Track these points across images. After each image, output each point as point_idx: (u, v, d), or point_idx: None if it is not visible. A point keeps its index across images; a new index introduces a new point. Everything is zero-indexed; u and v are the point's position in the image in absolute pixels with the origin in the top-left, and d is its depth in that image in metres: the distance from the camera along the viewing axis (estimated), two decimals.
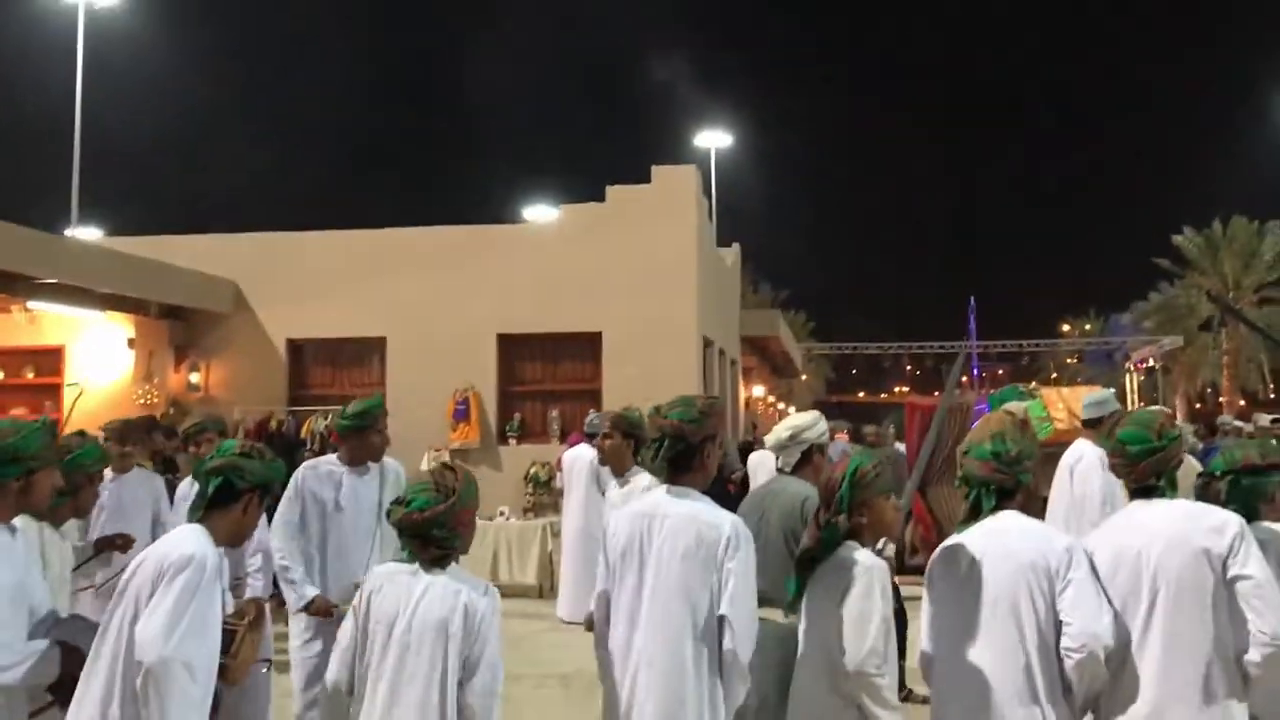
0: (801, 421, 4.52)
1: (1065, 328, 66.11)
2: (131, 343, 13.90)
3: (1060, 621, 3.31)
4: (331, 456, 5.44)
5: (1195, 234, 41.18)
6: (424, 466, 13.09)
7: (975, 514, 3.55)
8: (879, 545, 3.80)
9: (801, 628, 3.64)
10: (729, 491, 10.87)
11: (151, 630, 2.92)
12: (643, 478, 5.75)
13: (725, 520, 3.49)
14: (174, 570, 2.99)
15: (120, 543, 5.11)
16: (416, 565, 3.26)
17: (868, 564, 3.47)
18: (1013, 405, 9.17)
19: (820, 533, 3.54)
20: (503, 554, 11.65)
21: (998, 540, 3.46)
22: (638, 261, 13.29)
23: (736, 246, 20.22)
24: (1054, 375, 60.99)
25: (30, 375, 14.07)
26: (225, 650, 3.10)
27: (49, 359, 14.04)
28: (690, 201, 13.70)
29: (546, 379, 13.93)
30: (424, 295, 13.60)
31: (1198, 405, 45.05)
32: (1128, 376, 37.76)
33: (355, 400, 5.44)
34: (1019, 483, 3.57)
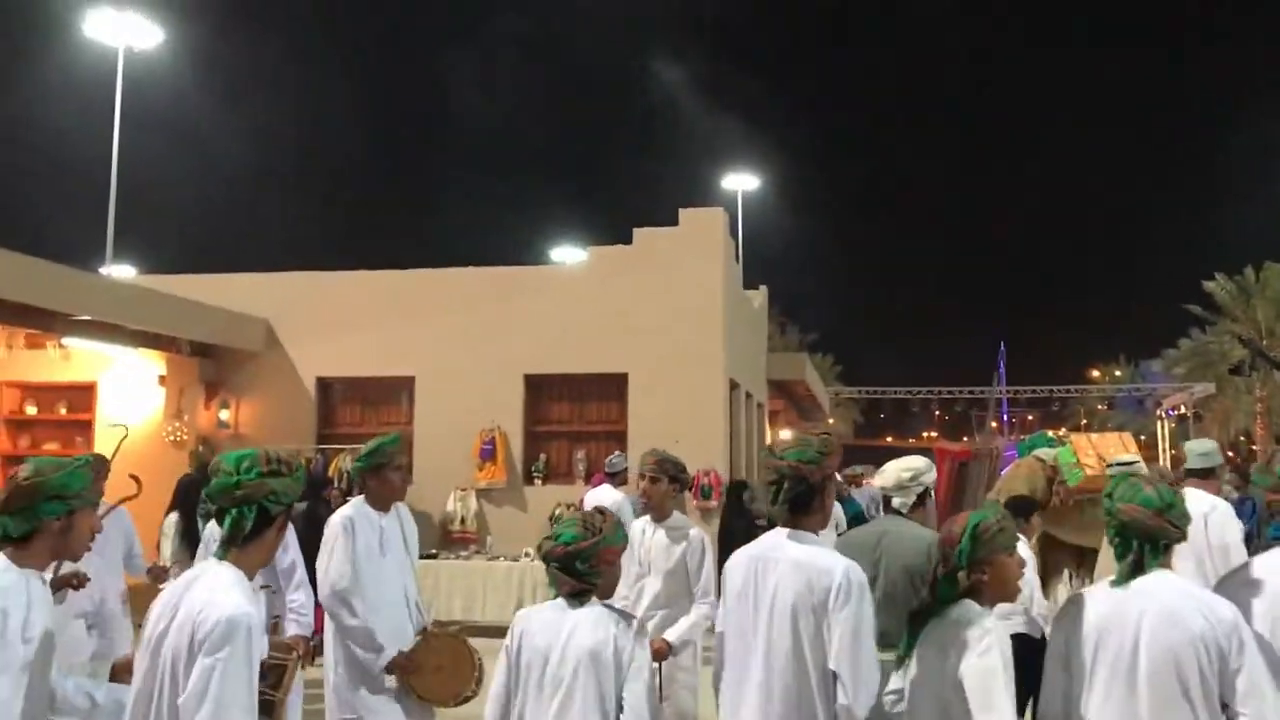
0: (919, 464, 4.51)
1: (1095, 374, 65.64)
2: (162, 380, 14.03)
3: (1225, 704, 3.04)
4: (360, 500, 5.33)
5: (1227, 280, 40.89)
6: (450, 506, 13.13)
7: (1136, 570, 3.24)
8: None
9: (908, 680, 3.43)
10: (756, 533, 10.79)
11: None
12: (678, 519, 5.73)
13: (838, 567, 3.36)
14: (217, 642, 2.70)
15: (75, 582, 4.91)
16: (561, 601, 3.33)
17: (987, 624, 3.22)
18: (1043, 452, 9.10)
19: (938, 587, 3.36)
20: (528, 595, 11.62)
21: (1157, 603, 3.15)
22: (665, 303, 13.33)
23: (764, 289, 20.24)
24: (1084, 422, 60.47)
25: (63, 411, 14.22)
26: (273, 685, 3.02)
27: (81, 395, 14.19)
28: (718, 244, 13.74)
29: (573, 420, 13.96)
30: (452, 335, 13.68)
31: (1229, 453, 44.54)
32: (1159, 424, 37.40)
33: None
34: (1181, 538, 3.28)
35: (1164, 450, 34.88)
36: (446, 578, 11.85)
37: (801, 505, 3.51)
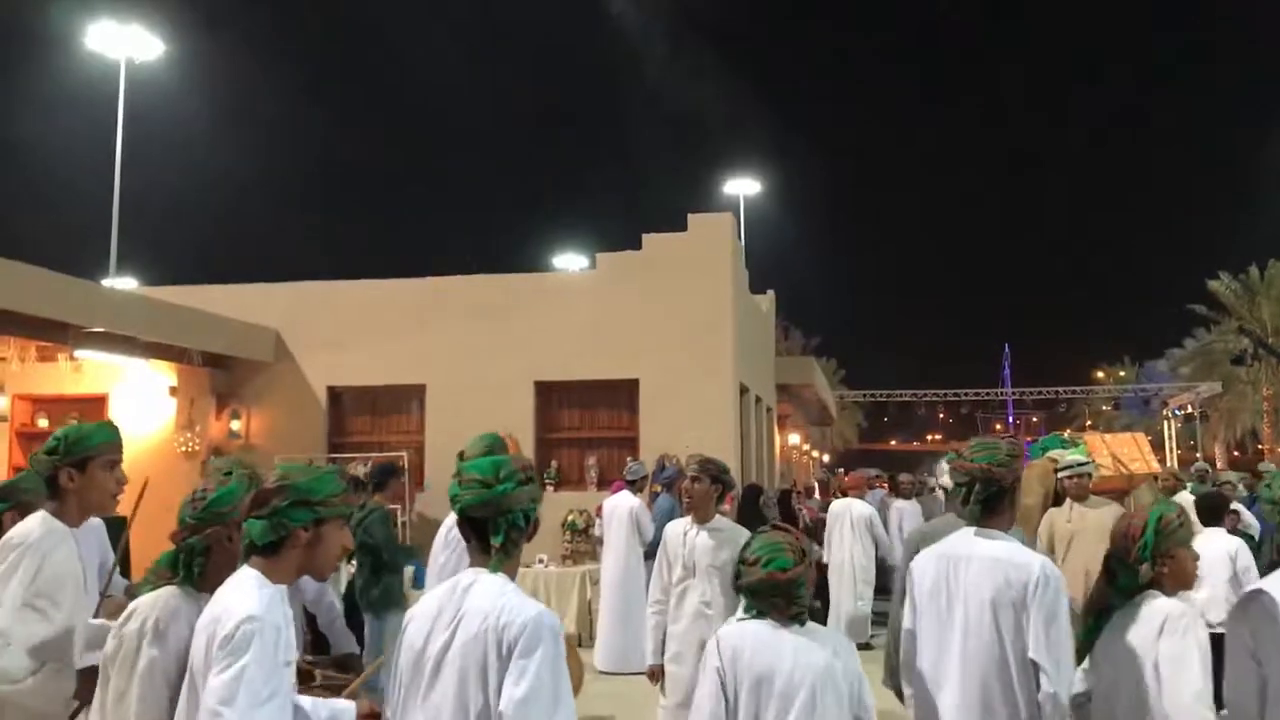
0: None
1: (1100, 374, 65.63)
2: (173, 390, 14.04)
3: None
4: None
5: (1231, 279, 40.90)
6: None
7: None
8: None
9: (1098, 674, 3.55)
10: None
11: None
12: (721, 522, 5.72)
13: (1035, 562, 3.50)
14: (530, 643, 2.64)
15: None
16: (770, 623, 3.31)
17: (1180, 609, 3.39)
18: (1056, 453, 9.11)
19: (1118, 581, 3.52)
20: (542, 601, 11.60)
21: None
22: (674, 309, 13.33)
23: (771, 294, 20.25)
24: (1089, 423, 60.45)
25: (75, 422, 14.21)
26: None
27: (93, 407, 14.17)
28: (726, 249, 13.75)
29: (584, 426, 13.96)
30: (462, 343, 13.69)
31: (1236, 452, 44.48)
32: (1165, 423, 37.38)
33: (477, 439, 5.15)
34: None
35: (1170, 451, 34.82)
36: None
37: (993, 506, 3.64)
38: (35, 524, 3.36)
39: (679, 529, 5.80)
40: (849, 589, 11.28)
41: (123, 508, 4.01)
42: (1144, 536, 3.48)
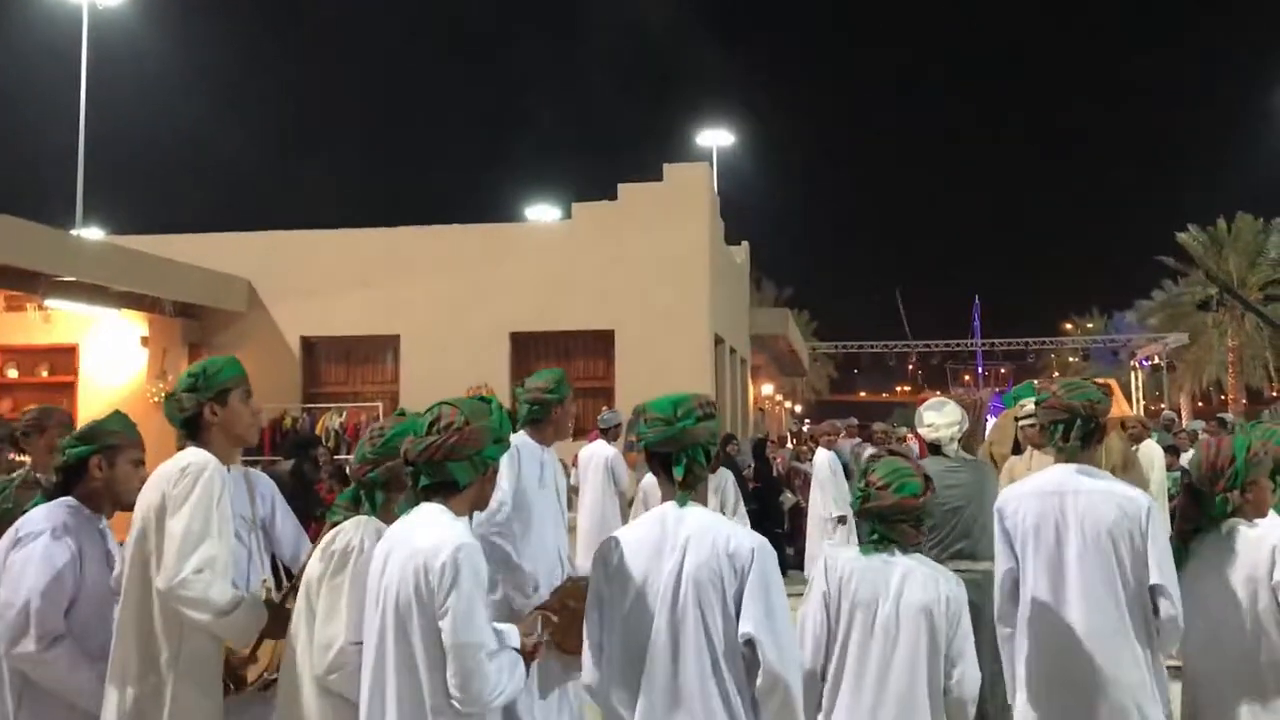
0: (959, 414, 5.45)
1: (1069, 325, 66.12)
2: (145, 340, 13.94)
3: None
4: (522, 434, 5.03)
5: (1200, 231, 41.15)
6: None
7: None
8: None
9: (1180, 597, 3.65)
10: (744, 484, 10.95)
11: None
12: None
13: (1141, 495, 3.63)
14: (764, 571, 2.81)
15: None
16: (883, 552, 3.29)
17: (1270, 531, 3.54)
18: (1026, 402, 9.16)
19: (1206, 507, 3.64)
20: None
21: None
22: (650, 259, 13.33)
23: (745, 245, 20.26)
24: (1056, 374, 60.98)
25: (44, 373, 14.12)
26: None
27: (63, 357, 14.09)
28: (703, 199, 13.73)
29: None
30: (437, 294, 13.65)
31: (1200, 403, 45.04)
32: (1133, 374, 37.76)
33: (540, 372, 5.10)
34: None
35: (1138, 401, 35.23)
36: None
37: (1089, 442, 3.74)
38: (205, 455, 3.23)
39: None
40: (819, 530, 11.37)
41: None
42: (1234, 465, 3.57)
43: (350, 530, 3.02)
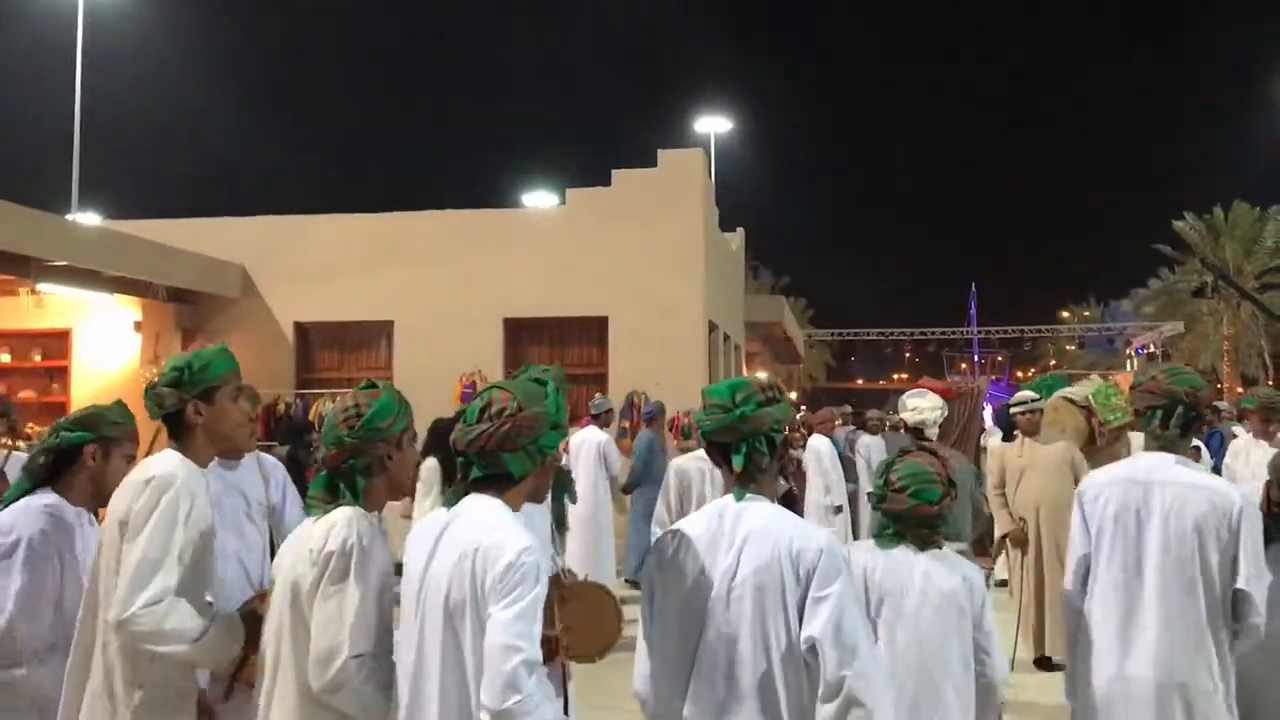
0: (939, 400, 6.11)
1: (1065, 314, 66.14)
2: (138, 326, 13.89)
3: None
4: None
5: (1196, 220, 41.23)
6: None
7: None
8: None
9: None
10: None
11: None
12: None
13: (1233, 490, 3.50)
14: (831, 574, 2.66)
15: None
16: (902, 546, 3.26)
17: None
18: (1070, 392, 9.02)
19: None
20: None
21: None
22: (644, 246, 13.30)
23: (741, 231, 20.22)
24: (1053, 362, 61.03)
25: (37, 358, 14.08)
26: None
27: (56, 342, 14.04)
28: (697, 186, 13.70)
29: (553, 363, 13.94)
30: (431, 279, 13.63)
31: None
32: (1128, 362, 37.80)
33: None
34: None
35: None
36: None
37: (1189, 431, 3.63)
38: (175, 463, 2.99)
39: (697, 466, 6.00)
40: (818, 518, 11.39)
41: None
42: None
43: (343, 526, 2.74)
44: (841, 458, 11.78)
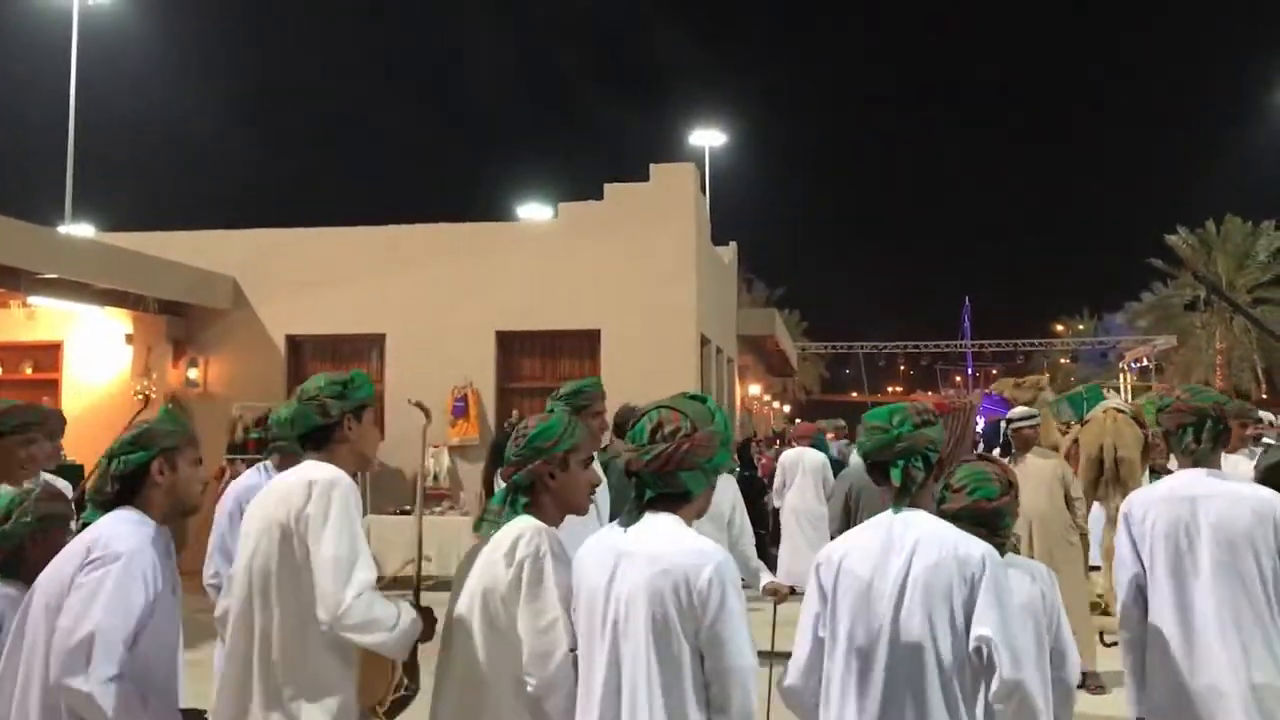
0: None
1: (1059, 327, 66.25)
2: (129, 338, 13.88)
3: None
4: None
5: (1189, 234, 41.33)
6: (424, 463, 13.09)
7: None
8: None
9: None
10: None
11: None
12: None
13: (1271, 493, 3.62)
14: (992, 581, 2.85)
15: None
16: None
17: None
18: (1118, 403, 9.03)
19: None
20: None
21: None
22: (636, 259, 13.32)
23: (733, 245, 20.26)
24: (1047, 375, 61.10)
25: (28, 371, 14.07)
26: None
27: (47, 354, 14.04)
28: (689, 199, 13.72)
29: (545, 375, 13.94)
30: (423, 292, 13.62)
31: None
32: (1121, 376, 37.85)
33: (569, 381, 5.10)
34: None
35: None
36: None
37: (1218, 444, 3.76)
38: (329, 467, 3.09)
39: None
40: (801, 534, 11.40)
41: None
42: None
43: (531, 534, 2.87)
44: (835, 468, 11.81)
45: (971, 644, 2.71)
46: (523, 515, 2.95)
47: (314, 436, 3.18)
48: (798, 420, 24.17)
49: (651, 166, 13.72)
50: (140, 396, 13.70)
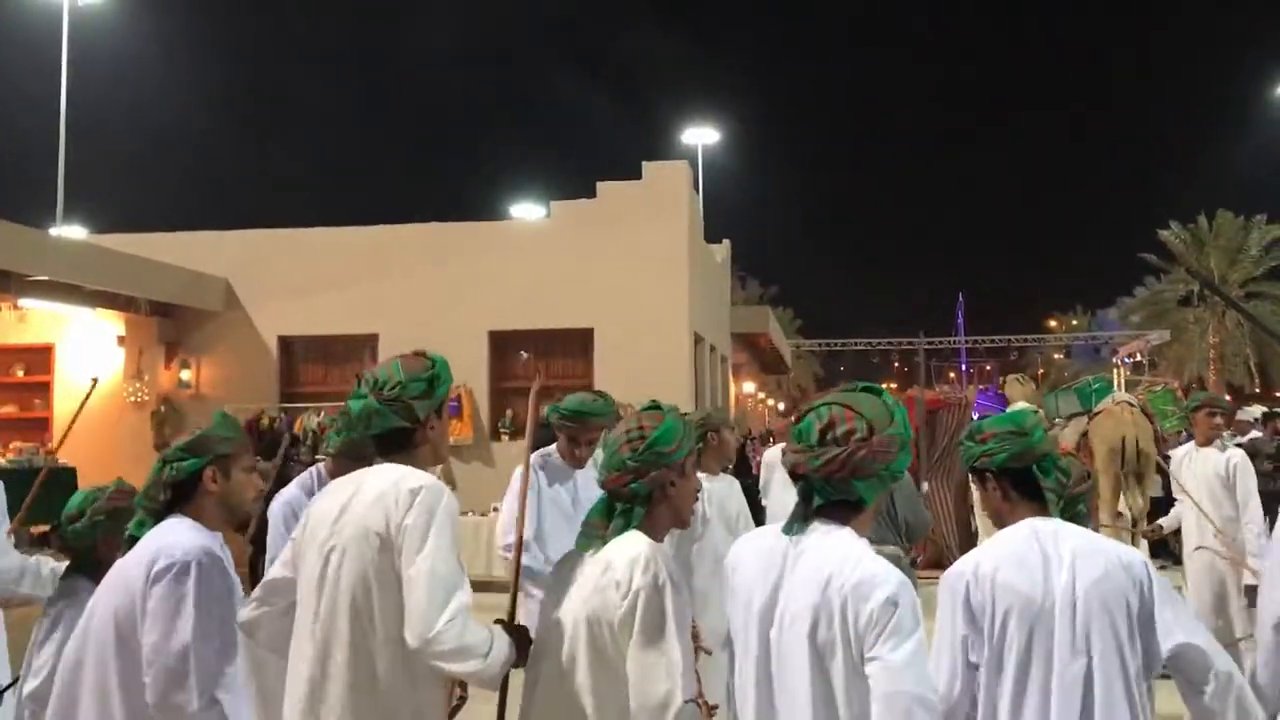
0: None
1: (1052, 323, 66.31)
2: (121, 340, 13.84)
3: None
4: (553, 448, 4.91)
5: (1181, 229, 41.38)
6: None
7: None
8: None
9: None
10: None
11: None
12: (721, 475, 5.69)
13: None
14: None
15: None
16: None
17: None
18: (1124, 397, 9.01)
19: None
20: (496, 550, 11.62)
21: None
22: (629, 258, 13.30)
23: (726, 243, 20.24)
24: (1040, 371, 61.14)
25: (20, 373, 14.00)
26: None
27: (39, 357, 13.97)
28: (682, 197, 13.71)
29: (537, 374, 13.92)
30: (415, 292, 13.59)
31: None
32: (1115, 371, 37.89)
33: (572, 395, 4.96)
34: None
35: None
36: None
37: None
38: (430, 477, 2.79)
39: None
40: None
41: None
42: None
43: (647, 559, 2.57)
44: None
45: (1170, 650, 2.63)
46: (633, 531, 2.67)
47: (395, 437, 2.89)
48: (793, 417, 24.15)
49: (644, 164, 13.71)
50: (133, 399, 13.67)
